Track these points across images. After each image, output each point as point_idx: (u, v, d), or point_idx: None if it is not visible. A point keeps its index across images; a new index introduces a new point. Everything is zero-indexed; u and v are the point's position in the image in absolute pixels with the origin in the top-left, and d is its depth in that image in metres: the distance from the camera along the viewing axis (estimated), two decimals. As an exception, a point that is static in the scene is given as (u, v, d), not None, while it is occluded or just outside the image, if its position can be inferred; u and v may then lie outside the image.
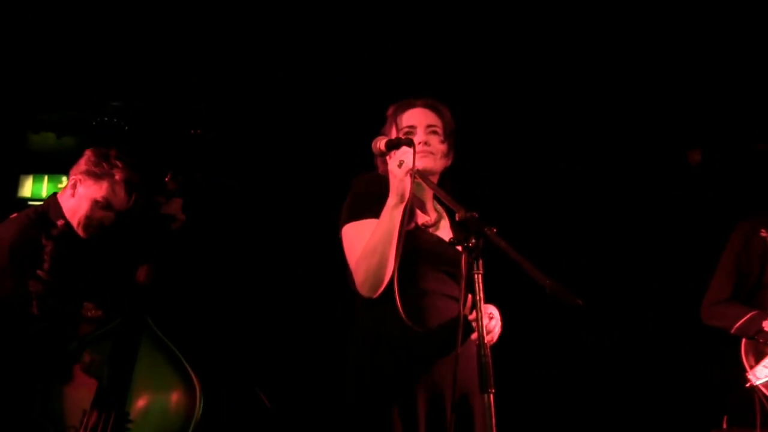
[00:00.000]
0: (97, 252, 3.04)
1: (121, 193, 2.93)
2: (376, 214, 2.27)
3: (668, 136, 4.80)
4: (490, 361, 1.92)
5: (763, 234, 3.21)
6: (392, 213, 2.21)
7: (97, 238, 2.98)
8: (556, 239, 4.99)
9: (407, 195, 2.20)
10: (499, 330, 2.33)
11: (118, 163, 2.95)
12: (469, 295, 2.25)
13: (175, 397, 2.75)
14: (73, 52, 4.19)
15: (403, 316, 2.09)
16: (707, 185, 4.68)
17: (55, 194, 3.00)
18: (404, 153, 2.21)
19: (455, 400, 2.16)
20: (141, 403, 2.71)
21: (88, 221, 2.92)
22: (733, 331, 3.15)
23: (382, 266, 2.21)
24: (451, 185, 2.46)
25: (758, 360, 3.11)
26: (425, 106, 2.49)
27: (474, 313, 2.02)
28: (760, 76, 4.25)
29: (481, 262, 1.96)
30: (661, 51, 4.27)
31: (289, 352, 4.90)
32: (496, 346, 2.29)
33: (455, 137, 2.53)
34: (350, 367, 2.33)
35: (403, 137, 2.33)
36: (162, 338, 2.83)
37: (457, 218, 2.01)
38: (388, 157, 2.27)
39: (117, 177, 2.94)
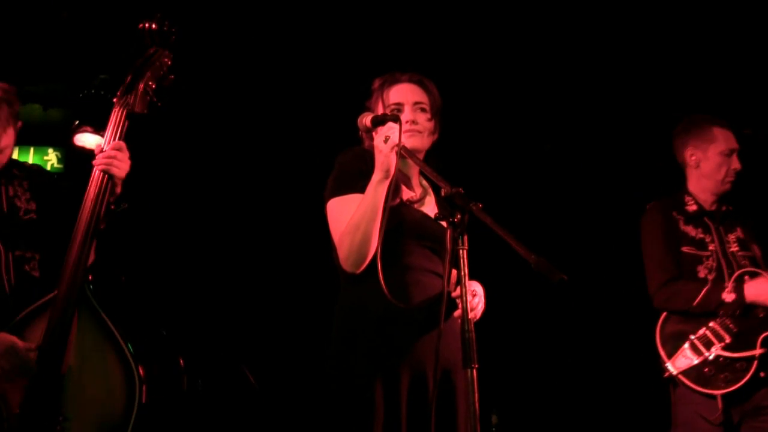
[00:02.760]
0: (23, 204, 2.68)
1: None
2: (361, 189, 2.26)
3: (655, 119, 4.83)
4: (474, 336, 1.91)
5: (675, 215, 3.18)
6: (377, 189, 2.19)
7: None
8: (542, 221, 5.01)
9: (392, 171, 2.19)
10: (483, 307, 2.33)
11: None
12: (454, 271, 2.25)
13: (115, 386, 2.35)
14: (61, 24, 4.15)
15: (386, 291, 2.07)
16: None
17: None
18: (390, 129, 2.18)
19: (437, 376, 2.15)
20: (78, 394, 2.34)
21: None
22: (692, 309, 3.04)
23: (365, 242, 2.20)
24: (437, 161, 2.44)
25: (675, 350, 3.05)
26: (412, 81, 2.46)
27: (458, 289, 2.02)
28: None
29: (466, 237, 1.95)
30: (648, 36, 4.30)
31: (275, 330, 4.91)
32: (480, 323, 2.29)
33: (441, 113, 2.50)
34: (333, 343, 2.31)
35: (389, 114, 2.31)
36: (103, 318, 2.42)
37: (442, 194, 2.00)
38: (374, 133, 2.25)
39: None
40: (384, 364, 2.21)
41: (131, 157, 2.50)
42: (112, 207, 2.48)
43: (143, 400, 2.31)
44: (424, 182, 2.51)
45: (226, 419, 4.50)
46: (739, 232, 3.18)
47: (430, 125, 2.44)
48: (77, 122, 4.71)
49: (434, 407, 2.15)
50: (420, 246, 2.33)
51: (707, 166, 3.20)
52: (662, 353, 3.08)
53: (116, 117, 2.50)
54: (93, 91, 4.45)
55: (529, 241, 1.92)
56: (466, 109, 4.70)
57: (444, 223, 1.99)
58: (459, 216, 1.94)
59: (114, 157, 2.44)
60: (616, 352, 4.92)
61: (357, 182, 2.29)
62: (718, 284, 3.04)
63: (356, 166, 2.33)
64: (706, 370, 2.98)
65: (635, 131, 4.94)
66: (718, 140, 3.18)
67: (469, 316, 2.01)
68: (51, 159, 5.09)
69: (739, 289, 3.00)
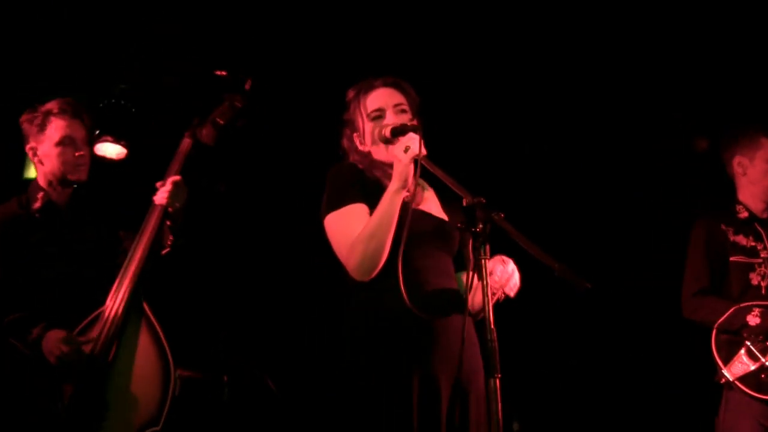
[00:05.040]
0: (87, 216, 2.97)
1: (68, 120, 2.85)
2: (357, 198, 2.29)
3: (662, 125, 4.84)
4: (497, 346, 1.93)
5: (723, 227, 3.24)
6: (393, 198, 2.21)
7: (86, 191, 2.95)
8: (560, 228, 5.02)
9: (410, 181, 2.21)
10: (519, 277, 2.26)
11: (46, 104, 2.87)
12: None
13: (152, 381, 2.67)
14: (82, 36, 4.20)
15: (408, 302, 2.09)
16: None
17: (33, 179, 2.96)
18: (410, 139, 2.21)
19: (462, 383, 2.17)
20: (121, 386, 2.64)
21: (68, 166, 2.86)
22: (717, 325, 3.11)
23: (379, 251, 2.21)
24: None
25: (731, 356, 3.08)
26: (388, 85, 2.46)
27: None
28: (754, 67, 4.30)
29: (488, 247, 1.97)
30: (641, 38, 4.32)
31: (294, 339, 4.95)
32: (500, 330, 2.28)
33: (421, 112, 2.50)
34: (347, 348, 2.31)
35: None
36: (150, 319, 2.74)
37: (464, 203, 2.01)
38: (392, 144, 2.27)
39: (54, 110, 2.85)
40: (395, 369, 2.20)
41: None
42: (170, 240, 2.82)
43: (176, 393, 2.63)
44: (421, 180, 2.47)
45: (244, 425, 4.55)
46: None
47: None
48: (98, 132, 4.75)
49: (445, 414, 2.17)
50: (427, 246, 2.32)
51: (754, 173, 3.27)
52: (718, 360, 3.11)
53: (184, 145, 2.85)
54: (113, 101, 4.51)
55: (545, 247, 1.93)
56: (473, 111, 4.72)
57: (459, 228, 2.05)
58: (481, 226, 1.96)
59: (171, 191, 2.75)
60: (637, 358, 4.93)
61: (351, 193, 2.31)
62: (745, 308, 3.07)
63: (347, 179, 2.36)
64: (763, 376, 3.01)
65: (637, 133, 4.94)
66: (764, 148, 3.26)
67: (507, 291, 2.15)
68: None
69: (765, 314, 3.03)
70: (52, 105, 2.87)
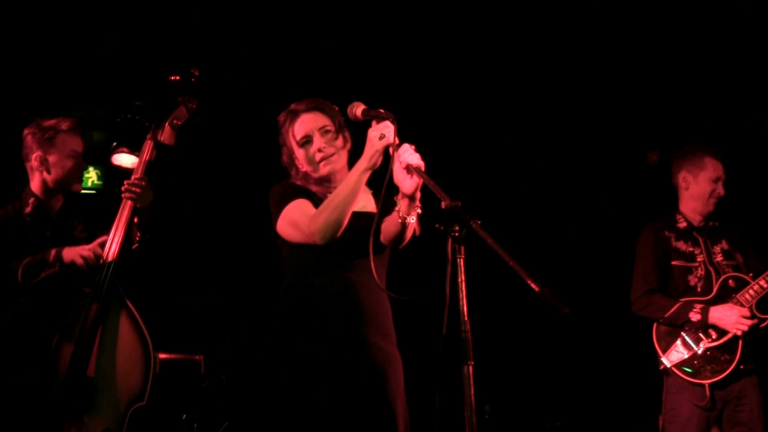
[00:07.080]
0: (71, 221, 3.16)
1: (75, 136, 3.08)
2: (298, 196, 2.53)
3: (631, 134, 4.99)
4: (470, 336, 2.09)
5: (667, 234, 3.56)
6: (360, 176, 2.40)
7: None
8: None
9: (377, 166, 2.40)
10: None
11: (52, 119, 3.09)
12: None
13: (135, 362, 2.88)
14: (103, 56, 4.43)
15: (382, 286, 2.38)
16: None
17: (27, 185, 3.14)
18: (386, 127, 2.35)
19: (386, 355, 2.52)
20: (107, 369, 2.84)
21: (73, 177, 3.10)
22: (662, 320, 3.44)
23: (341, 220, 2.42)
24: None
25: (668, 345, 3.41)
26: (310, 110, 2.66)
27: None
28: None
29: (463, 248, 2.12)
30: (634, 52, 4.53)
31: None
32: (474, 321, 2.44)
33: (346, 125, 2.69)
34: (286, 328, 2.59)
35: (301, 144, 2.59)
36: (128, 306, 2.93)
37: (442, 206, 2.16)
38: (360, 121, 2.44)
39: (63, 126, 3.07)
40: (329, 339, 2.50)
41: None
42: (138, 236, 2.98)
43: (156, 371, 2.87)
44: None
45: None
46: (724, 244, 3.55)
47: (338, 142, 2.66)
48: (115, 143, 4.98)
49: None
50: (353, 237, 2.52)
51: (696, 190, 3.55)
52: (658, 348, 3.44)
53: (146, 148, 3.05)
54: (129, 116, 4.72)
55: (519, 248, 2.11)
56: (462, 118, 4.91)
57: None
58: (458, 228, 2.11)
59: (137, 187, 2.93)
60: (598, 348, 5.15)
61: (293, 194, 2.55)
62: (689, 304, 3.38)
63: (287, 188, 2.60)
64: (696, 362, 3.33)
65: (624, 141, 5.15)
66: (707, 168, 3.54)
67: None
68: (91, 176, 5.34)
69: (704, 311, 3.34)
70: (61, 122, 3.09)
